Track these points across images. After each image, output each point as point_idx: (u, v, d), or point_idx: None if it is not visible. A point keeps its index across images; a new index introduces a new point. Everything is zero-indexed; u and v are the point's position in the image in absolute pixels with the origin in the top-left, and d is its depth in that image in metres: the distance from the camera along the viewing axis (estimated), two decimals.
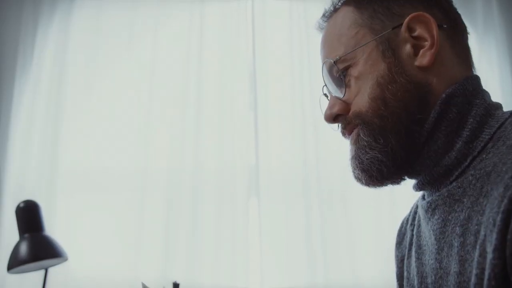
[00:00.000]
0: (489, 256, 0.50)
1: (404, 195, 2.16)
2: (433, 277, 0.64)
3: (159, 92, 2.31)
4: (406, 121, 0.65)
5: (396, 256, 0.81)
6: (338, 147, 2.25)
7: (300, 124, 2.29)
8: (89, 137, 2.29)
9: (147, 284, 1.23)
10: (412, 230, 0.75)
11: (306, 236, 2.17)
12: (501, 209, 0.49)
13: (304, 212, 2.21)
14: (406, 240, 0.78)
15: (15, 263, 1.26)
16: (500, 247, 0.49)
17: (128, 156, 2.27)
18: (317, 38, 0.79)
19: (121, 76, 2.32)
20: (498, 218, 0.49)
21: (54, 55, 2.30)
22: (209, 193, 2.23)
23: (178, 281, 1.35)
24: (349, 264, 2.13)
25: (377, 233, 2.16)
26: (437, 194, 0.65)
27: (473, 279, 0.53)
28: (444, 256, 0.61)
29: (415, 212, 0.78)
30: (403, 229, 0.82)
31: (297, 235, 2.19)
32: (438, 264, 0.63)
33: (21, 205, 1.34)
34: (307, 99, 2.29)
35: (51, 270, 1.38)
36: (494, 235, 0.50)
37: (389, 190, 2.26)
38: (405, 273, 0.75)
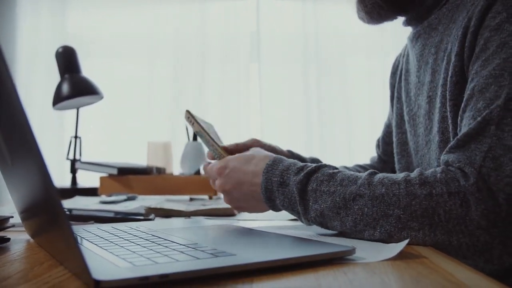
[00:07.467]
0: (452, 60, 0.68)
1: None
2: (414, 90, 0.82)
3: None
4: None
5: (391, 83, 0.99)
6: (337, 20, 2.38)
7: None
8: (97, 2, 2.35)
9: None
10: (402, 60, 0.93)
11: (305, 101, 2.36)
12: (462, 26, 0.67)
13: (302, 78, 2.37)
14: (399, 70, 0.94)
15: (58, 99, 1.40)
16: (460, 53, 0.67)
17: (136, 22, 2.36)
18: None
19: None
20: (459, 33, 0.67)
21: None
22: (214, 57, 2.37)
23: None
24: (345, 122, 2.36)
25: (370, 90, 2.36)
26: (420, 26, 0.81)
27: (440, 81, 0.72)
28: (422, 72, 0.79)
29: (405, 48, 0.96)
30: (396, 61, 0.99)
31: (295, 99, 2.37)
32: (417, 79, 0.81)
33: (60, 49, 1.44)
34: None
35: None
36: (456, 45, 0.68)
37: (380, 48, 2.38)
38: (395, 94, 0.93)
